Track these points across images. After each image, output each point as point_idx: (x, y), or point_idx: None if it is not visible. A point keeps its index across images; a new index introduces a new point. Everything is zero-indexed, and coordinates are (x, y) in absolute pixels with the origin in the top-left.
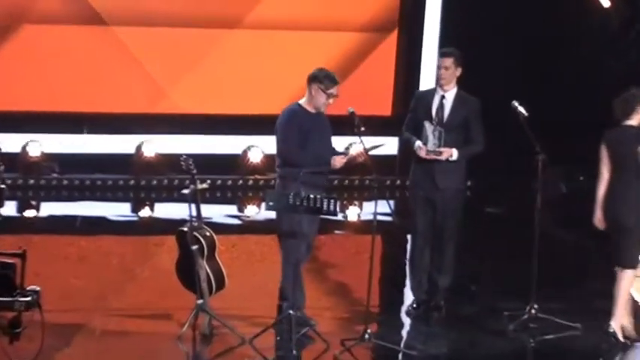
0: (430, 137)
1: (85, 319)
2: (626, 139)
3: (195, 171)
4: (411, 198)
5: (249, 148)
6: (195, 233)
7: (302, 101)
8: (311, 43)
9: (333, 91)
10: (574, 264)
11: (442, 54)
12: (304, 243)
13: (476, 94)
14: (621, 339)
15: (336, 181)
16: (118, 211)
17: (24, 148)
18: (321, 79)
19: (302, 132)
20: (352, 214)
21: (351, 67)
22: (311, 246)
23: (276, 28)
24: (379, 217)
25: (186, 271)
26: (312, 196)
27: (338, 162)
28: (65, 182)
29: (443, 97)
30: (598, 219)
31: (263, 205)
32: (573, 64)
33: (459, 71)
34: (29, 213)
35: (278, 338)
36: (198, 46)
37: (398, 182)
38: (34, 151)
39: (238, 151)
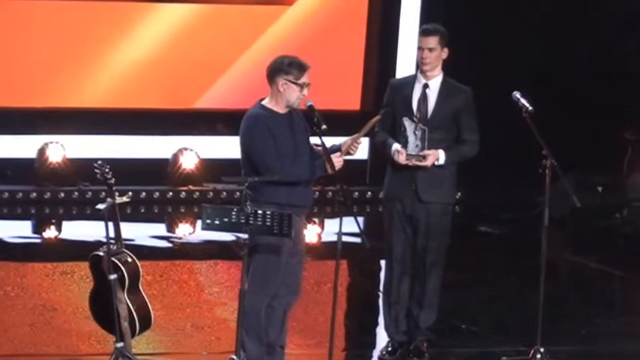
0: (411, 138)
1: None
2: None
3: (113, 180)
4: (385, 214)
5: (180, 151)
6: (114, 259)
7: (266, 101)
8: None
9: (305, 79)
10: (590, 296)
11: (424, 32)
12: (290, 282)
13: (466, 84)
14: None
15: None
16: (16, 231)
17: None
18: (286, 69)
19: (276, 139)
20: (311, 234)
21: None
22: (298, 288)
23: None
24: (345, 238)
25: (103, 307)
26: (259, 211)
27: (336, 163)
28: None
29: (426, 86)
30: None
31: (199, 223)
32: (590, 46)
33: (445, 53)
34: None
35: None
36: (110, 22)
37: (369, 194)
38: None
39: (167, 155)
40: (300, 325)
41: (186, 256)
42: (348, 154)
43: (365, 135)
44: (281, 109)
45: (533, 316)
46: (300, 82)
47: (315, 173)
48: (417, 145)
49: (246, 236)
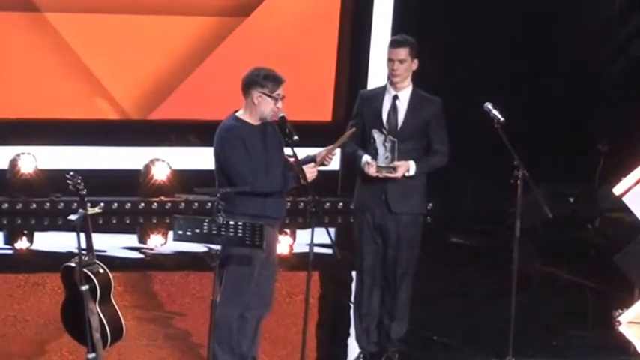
0: (380, 150)
1: None
2: None
3: (84, 191)
4: (356, 225)
5: (152, 162)
6: (86, 270)
7: (239, 113)
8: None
9: (280, 91)
10: (562, 307)
11: (394, 43)
12: (262, 294)
13: (437, 95)
14: None
15: None
16: None
17: None
18: (261, 81)
19: (249, 151)
20: (283, 245)
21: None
22: (270, 299)
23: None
24: (316, 249)
25: (75, 317)
26: (232, 222)
27: (310, 173)
28: None
29: (396, 97)
30: None
31: (170, 234)
32: (563, 57)
33: (415, 64)
34: None
35: None
36: (79, 34)
37: (340, 205)
38: None
39: (139, 166)
40: (272, 336)
41: (158, 267)
42: (322, 165)
43: (339, 147)
44: (255, 121)
45: (504, 328)
46: (274, 94)
47: (288, 184)
48: (387, 157)
49: (218, 247)
